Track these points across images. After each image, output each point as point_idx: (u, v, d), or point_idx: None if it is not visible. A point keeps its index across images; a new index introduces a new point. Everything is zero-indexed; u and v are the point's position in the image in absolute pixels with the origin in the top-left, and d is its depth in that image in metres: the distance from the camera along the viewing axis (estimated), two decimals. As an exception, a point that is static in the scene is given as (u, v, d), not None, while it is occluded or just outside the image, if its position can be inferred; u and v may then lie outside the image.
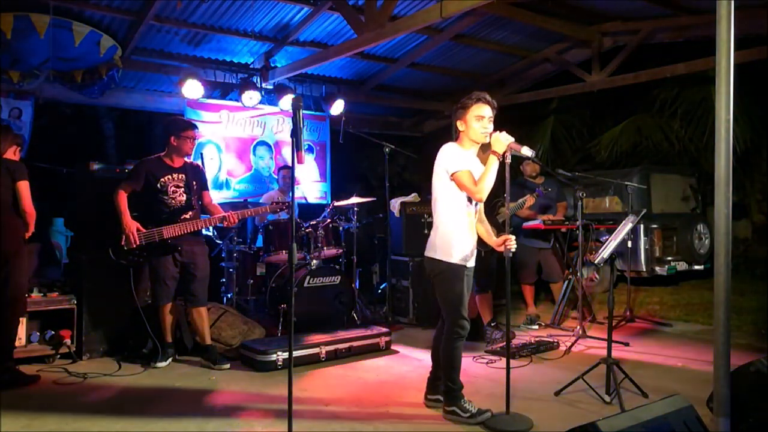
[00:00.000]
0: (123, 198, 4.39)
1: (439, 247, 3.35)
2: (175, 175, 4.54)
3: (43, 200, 5.70)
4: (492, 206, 5.27)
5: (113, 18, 5.55)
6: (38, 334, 4.57)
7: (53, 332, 4.59)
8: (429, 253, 3.42)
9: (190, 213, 4.54)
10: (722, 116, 2.21)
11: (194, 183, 4.60)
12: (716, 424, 2.30)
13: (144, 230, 4.35)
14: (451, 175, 3.29)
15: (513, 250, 3.39)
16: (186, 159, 4.65)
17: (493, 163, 3.25)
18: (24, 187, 4.03)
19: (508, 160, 3.30)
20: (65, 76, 5.72)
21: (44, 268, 5.62)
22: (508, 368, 3.41)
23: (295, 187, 3.52)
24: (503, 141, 3.24)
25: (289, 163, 2.80)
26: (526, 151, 3.30)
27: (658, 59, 6.89)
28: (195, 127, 4.76)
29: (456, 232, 3.34)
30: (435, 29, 6.54)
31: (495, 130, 3.32)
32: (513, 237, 3.39)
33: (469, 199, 3.36)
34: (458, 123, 3.41)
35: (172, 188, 4.51)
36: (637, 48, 6.87)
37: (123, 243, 4.30)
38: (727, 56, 2.19)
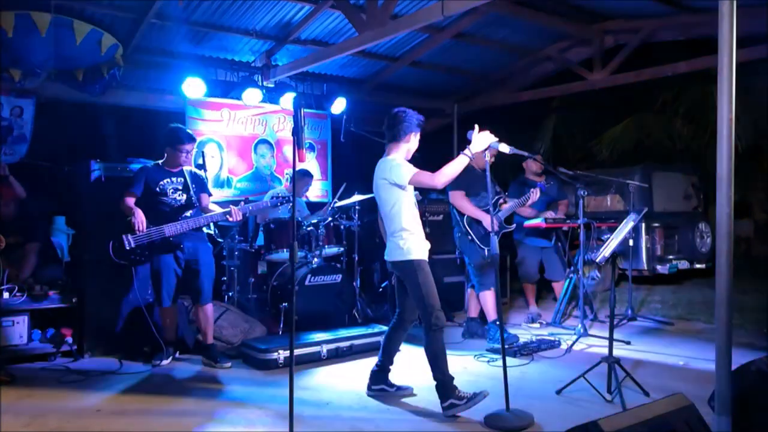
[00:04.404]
0: (130, 202, 4.42)
1: (404, 248, 3.54)
2: (173, 179, 4.57)
3: (45, 199, 5.69)
4: (494, 203, 5.27)
5: (114, 16, 5.54)
6: (40, 332, 4.58)
7: (55, 330, 4.60)
8: (395, 257, 3.60)
9: (191, 211, 4.55)
10: (724, 114, 2.21)
11: (193, 185, 4.61)
12: (717, 422, 2.30)
13: (146, 230, 4.35)
14: (410, 181, 3.52)
15: None
16: (183, 166, 4.66)
17: (461, 159, 3.47)
18: None
19: (492, 160, 3.54)
20: (66, 75, 5.71)
21: (45, 266, 5.62)
22: (504, 365, 3.40)
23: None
24: (484, 141, 3.46)
25: (290, 163, 2.81)
26: (504, 147, 3.53)
27: (659, 58, 6.87)
28: (192, 140, 4.69)
29: (414, 229, 3.60)
30: (436, 28, 6.53)
31: (481, 130, 3.51)
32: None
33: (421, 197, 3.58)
34: (404, 138, 3.66)
35: (171, 189, 4.53)
36: (639, 46, 6.84)
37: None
38: (729, 55, 2.18)
